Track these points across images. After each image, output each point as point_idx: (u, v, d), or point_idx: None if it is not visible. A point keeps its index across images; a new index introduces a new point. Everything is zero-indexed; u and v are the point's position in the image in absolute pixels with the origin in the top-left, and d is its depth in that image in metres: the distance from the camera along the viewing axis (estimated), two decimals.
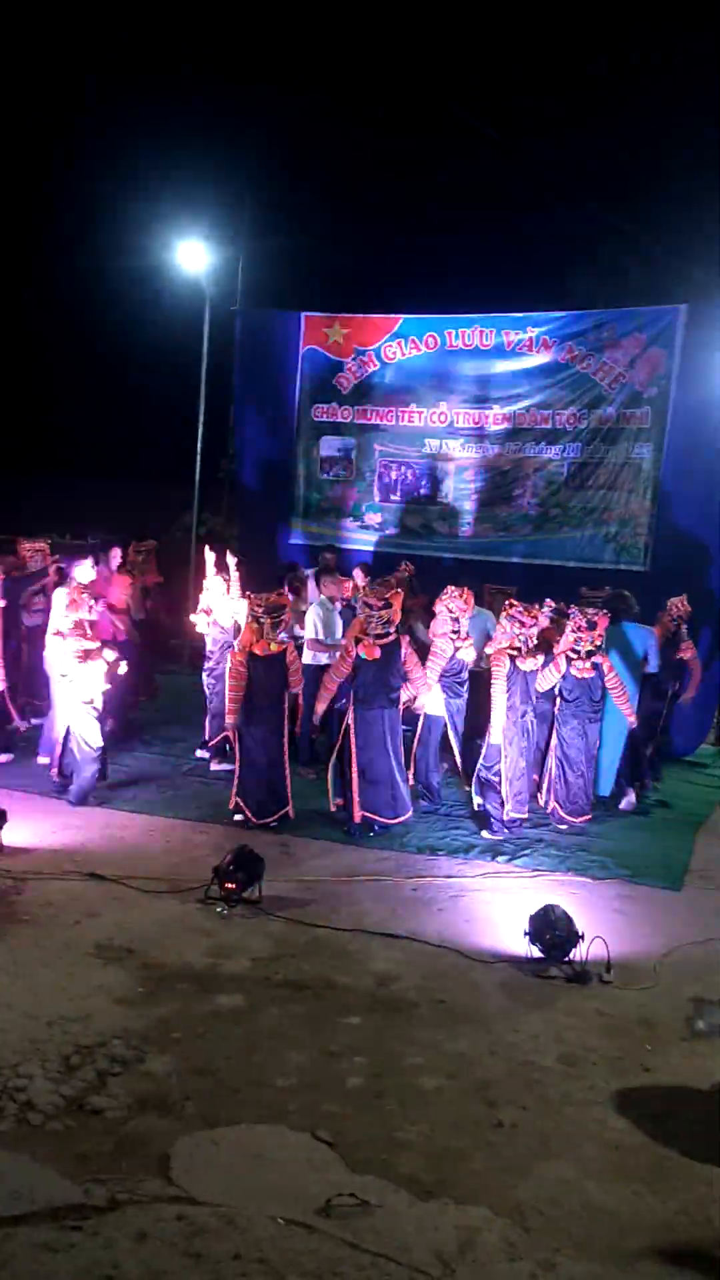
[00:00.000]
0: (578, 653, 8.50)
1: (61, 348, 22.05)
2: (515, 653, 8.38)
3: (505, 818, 8.41)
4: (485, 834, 8.42)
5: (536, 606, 8.75)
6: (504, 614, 8.59)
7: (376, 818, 8.31)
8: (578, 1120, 4.63)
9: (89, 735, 8.39)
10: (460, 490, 12.59)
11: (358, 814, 8.26)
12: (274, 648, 8.23)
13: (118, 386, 21.77)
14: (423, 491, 12.81)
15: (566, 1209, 4.04)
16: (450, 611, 8.81)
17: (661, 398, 11.53)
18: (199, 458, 14.56)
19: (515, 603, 8.61)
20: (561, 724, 8.74)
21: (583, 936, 6.03)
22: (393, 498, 12.98)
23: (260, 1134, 4.39)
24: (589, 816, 8.79)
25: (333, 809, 8.50)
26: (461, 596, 8.91)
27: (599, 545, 11.90)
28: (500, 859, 7.98)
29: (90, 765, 8.47)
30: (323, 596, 9.90)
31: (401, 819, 8.39)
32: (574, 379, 11.95)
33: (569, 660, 8.51)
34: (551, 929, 6.06)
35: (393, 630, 8.28)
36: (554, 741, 8.81)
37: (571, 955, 6.02)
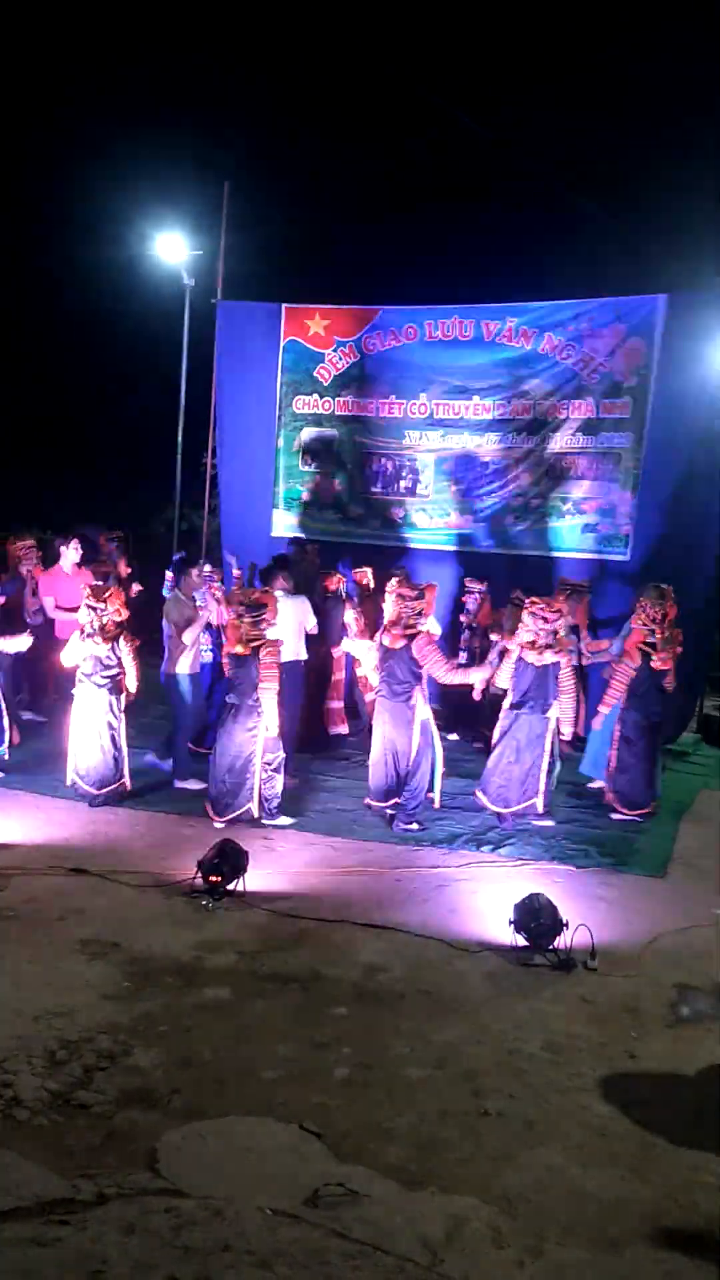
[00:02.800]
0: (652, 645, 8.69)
1: (38, 340, 21.93)
2: (529, 646, 8.39)
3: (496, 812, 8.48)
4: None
5: (560, 599, 8.74)
6: (525, 610, 8.56)
7: (373, 804, 8.50)
8: (564, 1107, 4.65)
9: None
10: (441, 482, 12.59)
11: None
12: (240, 649, 8.06)
13: (96, 379, 21.68)
14: (404, 483, 12.80)
15: (553, 1195, 4.06)
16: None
17: (641, 388, 11.55)
18: (179, 451, 14.53)
19: (536, 599, 8.60)
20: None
21: (567, 925, 6.06)
22: (374, 489, 12.97)
23: (247, 1126, 4.39)
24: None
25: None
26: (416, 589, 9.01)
27: (580, 535, 11.92)
28: (484, 849, 8.00)
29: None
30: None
31: (384, 806, 8.49)
32: (554, 369, 11.96)
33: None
34: (536, 918, 6.08)
35: (421, 622, 8.35)
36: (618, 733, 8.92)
37: (556, 943, 6.05)
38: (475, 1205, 3.96)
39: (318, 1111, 4.50)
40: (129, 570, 11.88)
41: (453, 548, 12.49)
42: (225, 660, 8.40)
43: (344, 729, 10.91)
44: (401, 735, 8.37)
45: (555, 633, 8.44)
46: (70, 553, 10.51)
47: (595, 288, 12.38)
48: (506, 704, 8.61)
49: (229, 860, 6.72)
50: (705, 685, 12.51)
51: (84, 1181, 3.94)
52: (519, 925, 6.11)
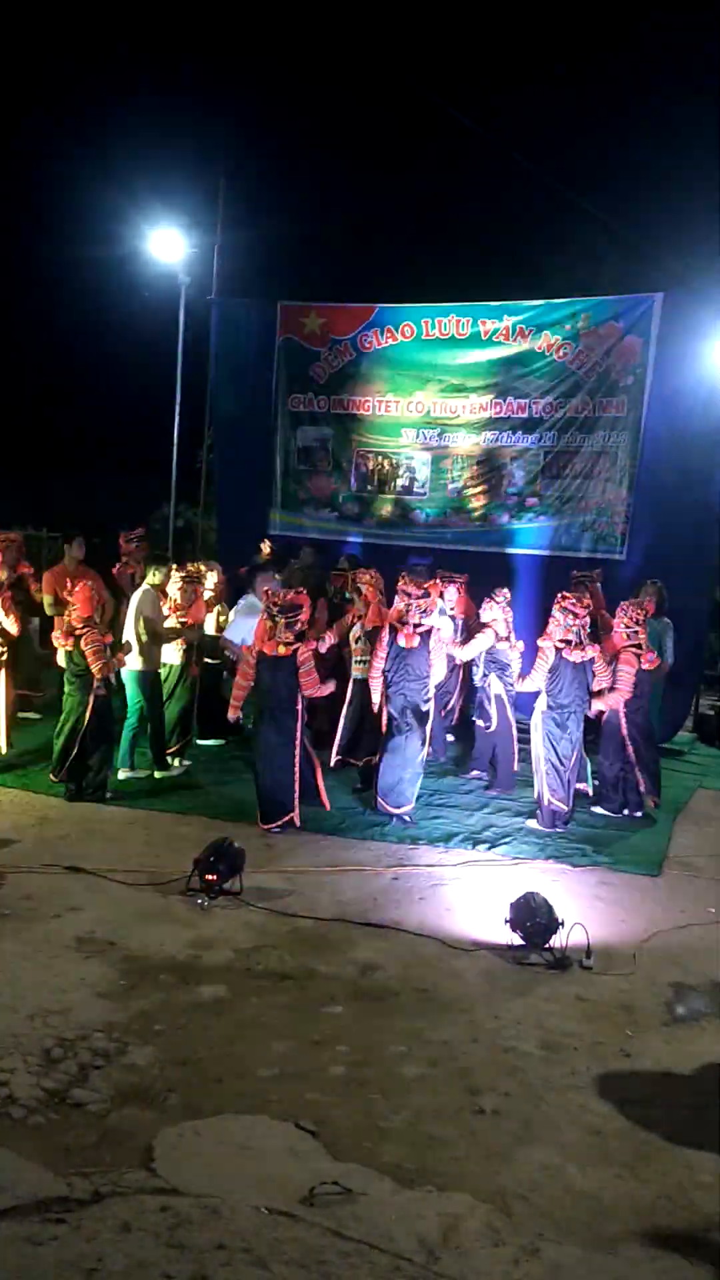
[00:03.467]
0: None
1: (33, 337, 21.89)
2: (565, 645, 8.36)
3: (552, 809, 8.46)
4: (531, 823, 8.51)
5: (588, 596, 8.74)
6: (556, 606, 8.53)
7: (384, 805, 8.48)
8: (559, 1106, 4.65)
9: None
10: (437, 480, 12.59)
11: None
12: (282, 650, 8.03)
13: (92, 377, 21.64)
14: (400, 481, 12.79)
15: (549, 1194, 4.06)
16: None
17: (637, 386, 11.55)
18: (175, 449, 14.51)
19: (568, 594, 8.59)
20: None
21: (563, 923, 6.06)
22: (370, 488, 12.96)
23: (243, 1124, 4.39)
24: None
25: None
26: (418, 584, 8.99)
27: (576, 534, 11.92)
28: (480, 847, 8.00)
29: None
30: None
31: (400, 810, 8.43)
32: (550, 368, 11.96)
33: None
34: (532, 916, 6.08)
35: (428, 620, 8.42)
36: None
37: (552, 942, 6.05)
38: (471, 1204, 3.96)
39: (313, 1110, 4.49)
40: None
41: (448, 546, 12.47)
42: (248, 662, 8.26)
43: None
44: (408, 733, 8.39)
45: (585, 628, 8.44)
46: (74, 551, 10.51)
47: (592, 286, 12.42)
48: (542, 704, 8.48)
49: (225, 859, 6.71)
50: (700, 684, 12.52)
51: (79, 1180, 3.93)
52: (515, 924, 6.11)
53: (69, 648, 8.46)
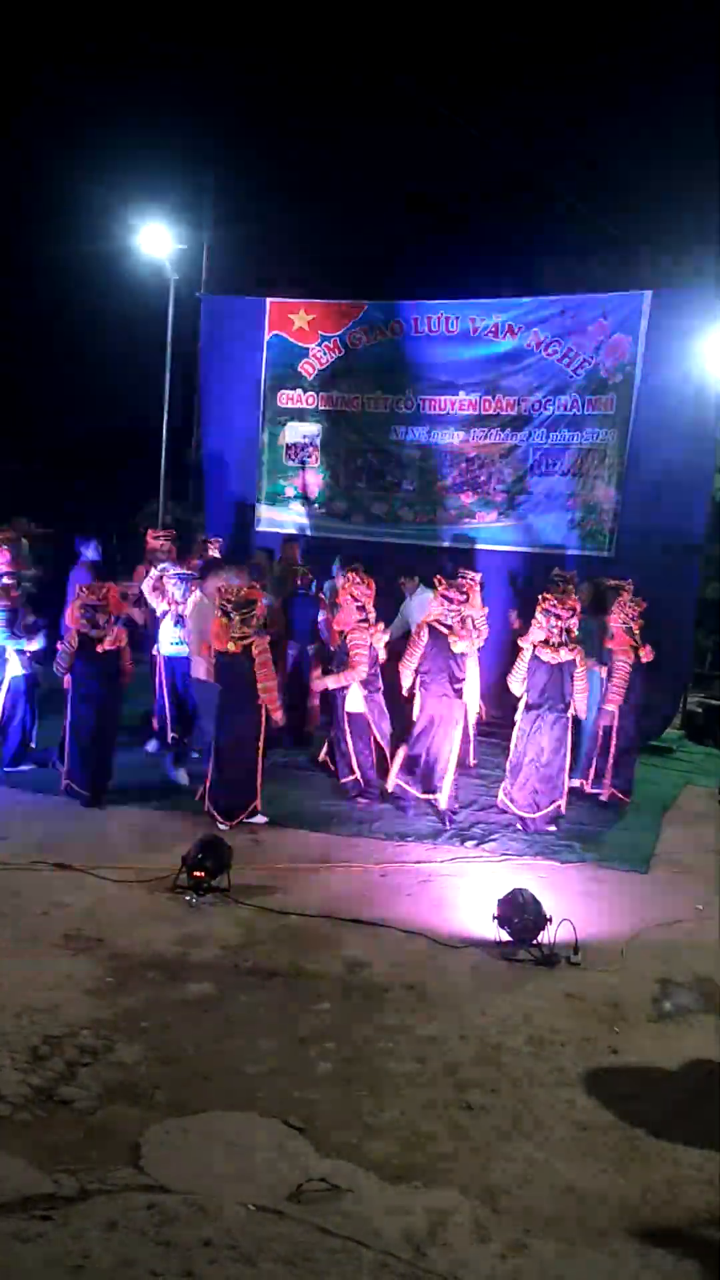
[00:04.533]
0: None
1: (19, 332, 21.77)
2: (543, 645, 8.38)
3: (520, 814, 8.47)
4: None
5: (574, 597, 8.75)
6: (539, 607, 8.52)
7: (408, 789, 8.53)
8: (546, 1101, 4.67)
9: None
10: (425, 477, 12.58)
11: (391, 783, 8.58)
12: (232, 646, 7.97)
13: (79, 372, 21.53)
14: (388, 478, 12.78)
15: (536, 1189, 4.07)
16: (355, 599, 8.82)
17: (626, 384, 11.56)
18: (164, 445, 14.47)
19: (549, 596, 8.60)
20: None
21: (550, 920, 6.07)
22: (358, 485, 12.95)
23: (230, 1121, 4.39)
24: None
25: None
26: (364, 582, 9.02)
27: (564, 531, 11.93)
28: (468, 844, 8.01)
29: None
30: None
31: (429, 796, 8.53)
32: (539, 365, 11.96)
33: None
34: (520, 913, 6.09)
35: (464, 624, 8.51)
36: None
37: (539, 938, 6.06)
38: (458, 1199, 3.97)
39: (301, 1106, 4.50)
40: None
41: (437, 543, 12.48)
42: (205, 659, 8.28)
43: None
44: (454, 730, 8.47)
45: (568, 630, 8.38)
46: (90, 552, 10.56)
47: (580, 284, 12.40)
48: (522, 705, 8.51)
49: (213, 855, 6.70)
50: (689, 681, 12.55)
51: (66, 1177, 3.93)
52: (503, 920, 6.12)
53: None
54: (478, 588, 10.08)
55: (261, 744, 8.16)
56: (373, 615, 8.89)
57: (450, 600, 8.44)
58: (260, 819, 8.17)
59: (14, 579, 9.69)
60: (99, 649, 8.31)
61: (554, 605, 8.39)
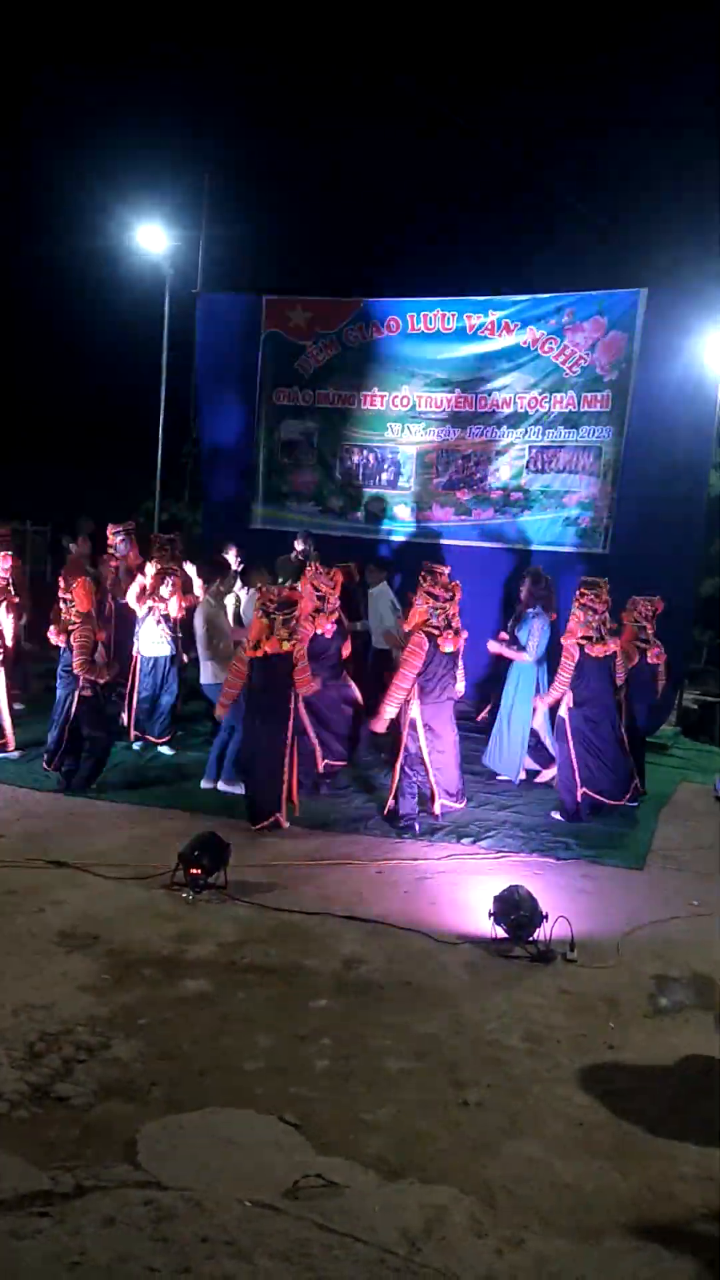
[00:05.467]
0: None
1: (18, 330, 21.77)
2: (587, 641, 8.45)
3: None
4: (555, 814, 8.67)
5: (605, 591, 8.72)
6: (576, 603, 8.60)
7: (454, 805, 8.50)
8: (543, 1098, 4.67)
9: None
10: (423, 474, 12.58)
11: (435, 806, 8.40)
12: (285, 646, 7.97)
13: (77, 370, 21.53)
14: (385, 476, 12.78)
15: (532, 1186, 4.08)
16: (317, 590, 8.83)
17: (622, 381, 11.56)
18: (160, 443, 14.46)
19: (586, 591, 8.61)
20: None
21: (546, 916, 6.08)
22: (355, 482, 12.94)
23: (227, 1117, 4.39)
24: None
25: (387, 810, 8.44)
26: (329, 574, 9.02)
27: (560, 529, 11.93)
28: (465, 841, 8.01)
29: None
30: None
31: (461, 806, 8.52)
32: (535, 362, 11.95)
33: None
34: (516, 909, 6.10)
35: (454, 623, 8.33)
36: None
37: (535, 935, 6.06)
38: (455, 1196, 3.98)
39: (298, 1103, 4.50)
40: (139, 560, 11.50)
41: (433, 541, 12.48)
42: (241, 660, 8.19)
43: None
44: (454, 734, 8.44)
45: (606, 622, 8.52)
46: (80, 547, 10.54)
47: (577, 281, 12.39)
48: (568, 702, 8.56)
49: (210, 852, 6.70)
50: (684, 678, 12.56)
51: (63, 1174, 3.93)
52: (499, 917, 6.12)
53: (62, 643, 8.48)
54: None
55: (291, 752, 8.10)
56: (330, 606, 8.88)
57: (435, 598, 8.34)
58: (284, 826, 8.08)
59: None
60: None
61: (591, 600, 8.50)
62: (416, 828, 8.17)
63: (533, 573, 9.87)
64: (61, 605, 8.54)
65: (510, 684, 9.48)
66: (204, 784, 8.93)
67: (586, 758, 8.53)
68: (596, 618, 8.48)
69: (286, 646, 8.00)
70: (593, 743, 8.55)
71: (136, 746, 9.84)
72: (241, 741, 8.34)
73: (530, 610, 9.46)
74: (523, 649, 9.25)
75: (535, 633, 9.24)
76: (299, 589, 8.79)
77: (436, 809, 8.38)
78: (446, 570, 8.88)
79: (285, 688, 8.04)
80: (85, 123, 19.17)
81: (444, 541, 12.36)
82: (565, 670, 8.53)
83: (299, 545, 11.68)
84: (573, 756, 8.52)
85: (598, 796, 8.61)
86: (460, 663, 8.41)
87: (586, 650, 8.48)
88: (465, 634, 8.39)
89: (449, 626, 8.24)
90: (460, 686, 8.53)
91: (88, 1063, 4.72)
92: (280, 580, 10.29)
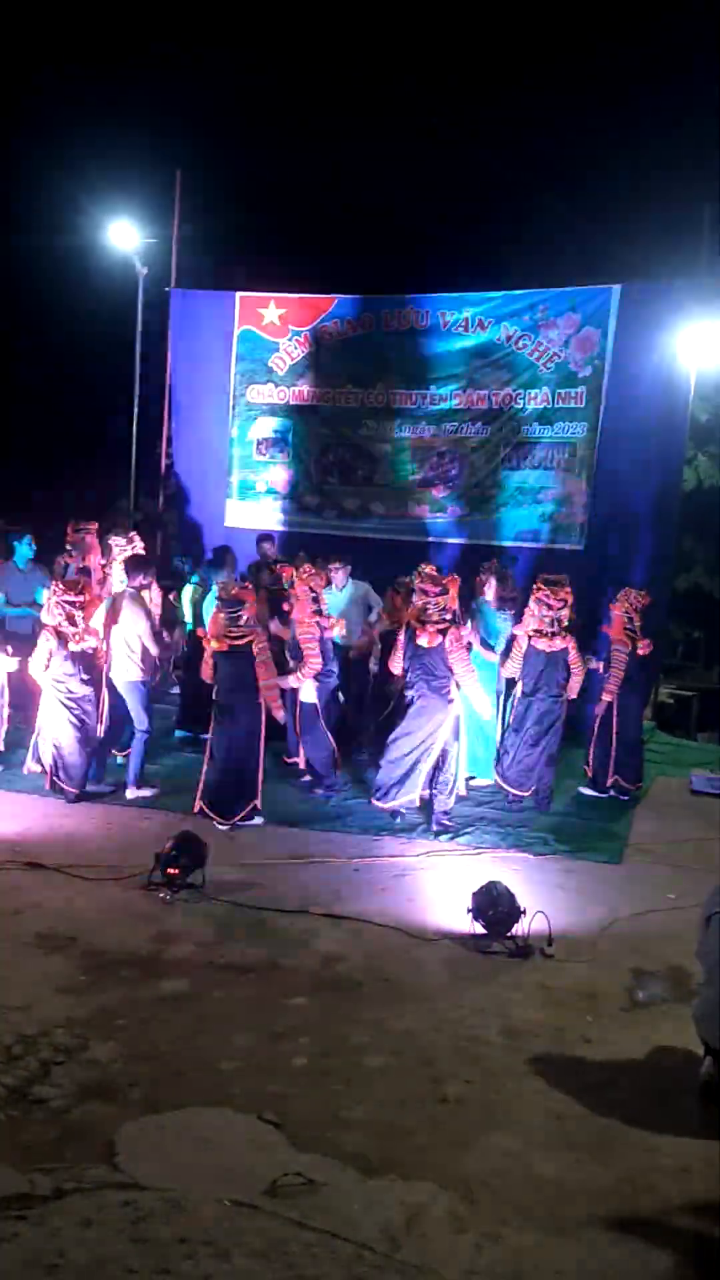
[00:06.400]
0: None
1: None
2: (537, 634, 8.61)
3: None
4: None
5: (566, 589, 8.77)
6: (533, 597, 8.74)
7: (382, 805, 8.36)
8: (521, 1093, 4.68)
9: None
10: (397, 471, 12.58)
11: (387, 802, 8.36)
12: (218, 645, 7.94)
13: (48, 368, 21.40)
14: (359, 473, 12.78)
15: (511, 1180, 4.09)
16: (311, 590, 8.81)
17: (596, 377, 11.61)
18: (134, 441, 14.41)
19: (543, 587, 8.71)
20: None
21: (524, 912, 6.09)
22: (330, 480, 12.93)
23: (206, 1117, 4.38)
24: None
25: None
26: (319, 574, 9.04)
27: (536, 525, 11.97)
28: (443, 837, 8.02)
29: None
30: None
31: (396, 804, 8.32)
32: (509, 359, 11.99)
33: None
34: (494, 905, 6.11)
35: (449, 617, 8.27)
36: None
37: (514, 930, 6.08)
38: (434, 1192, 3.98)
39: (276, 1101, 4.49)
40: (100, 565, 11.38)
41: (408, 538, 12.48)
42: (207, 660, 8.15)
43: None
44: (440, 730, 8.18)
45: (560, 620, 8.63)
46: (24, 548, 10.32)
47: (550, 278, 12.44)
48: (518, 692, 8.83)
49: (188, 852, 6.68)
50: (660, 673, 12.62)
51: (41, 1176, 3.91)
52: (477, 913, 6.13)
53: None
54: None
55: (262, 743, 8.10)
56: (325, 607, 8.91)
57: (426, 593, 8.32)
58: (258, 820, 8.08)
59: None
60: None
61: (546, 595, 8.61)
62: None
63: (499, 572, 9.88)
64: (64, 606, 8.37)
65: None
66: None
67: (526, 745, 8.72)
68: (551, 613, 8.60)
69: (218, 645, 7.97)
70: (529, 734, 8.71)
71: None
72: (209, 738, 8.24)
73: (496, 609, 9.48)
74: (490, 648, 9.25)
75: (505, 633, 9.27)
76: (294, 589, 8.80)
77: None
78: (430, 568, 8.93)
79: (247, 684, 7.99)
80: (56, 118, 19.06)
81: (420, 538, 12.37)
82: (515, 658, 8.79)
83: (268, 548, 11.60)
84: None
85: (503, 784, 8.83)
86: (448, 660, 8.20)
87: (533, 643, 8.65)
88: (458, 630, 8.31)
89: (434, 621, 8.18)
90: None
91: (66, 1064, 4.70)
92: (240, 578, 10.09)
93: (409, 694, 8.26)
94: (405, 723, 8.25)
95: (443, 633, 8.13)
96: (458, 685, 8.17)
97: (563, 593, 8.69)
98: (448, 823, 8.19)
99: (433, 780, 8.21)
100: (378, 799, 8.33)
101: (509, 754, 8.80)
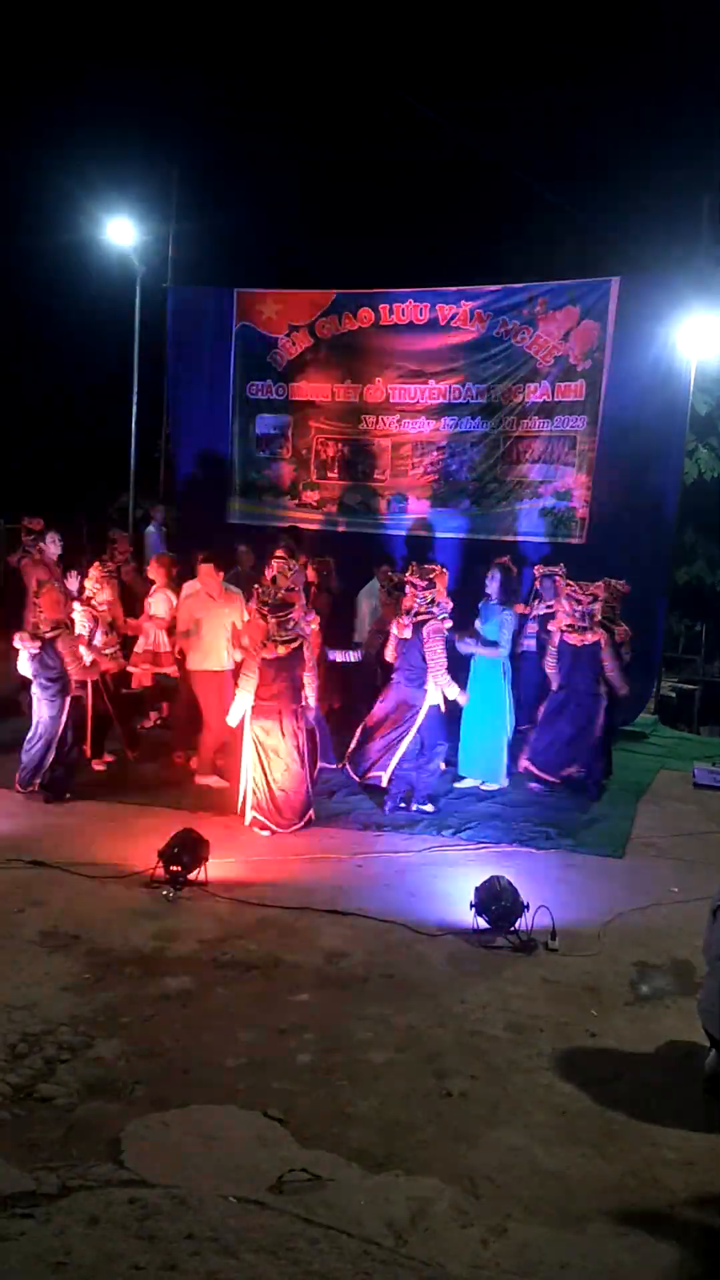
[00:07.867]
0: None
1: None
2: (570, 629, 8.82)
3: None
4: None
5: (597, 584, 8.97)
6: (562, 593, 9.03)
7: (353, 774, 8.70)
8: (526, 1087, 4.69)
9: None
10: (397, 466, 12.57)
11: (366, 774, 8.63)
12: (281, 650, 7.79)
13: (48, 366, 21.39)
14: (360, 468, 12.77)
15: (516, 1175, 4.09)
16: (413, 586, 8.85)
17: (595, 370, 11.58)
18: (134, 438, 14.40)
19: (571, 582, 8.93)
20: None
21: (528, 906, 6.10)
22: (330, 475, 12.93)
23: (211, 1114, 4.39)
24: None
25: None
26: (304, 567, 9.17)
27: (536, 519, 11.95)
28: (445, 833, 8.02)
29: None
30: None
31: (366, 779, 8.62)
32: (508, 353, 11.96)
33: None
34: (497, 900, 6.12)
35: (435, 610, 8.38)
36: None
37: (517, 925, 6.08)
38: (439, 1186, 3.99)
39: (281, 1098, 4.50)
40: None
41: (410, 533, 12.48)
42: (251, 667, 7.94)
43: None
44: (414, 715, 8.35)
45: (590, 614, 8.80)
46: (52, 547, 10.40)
47: (549, 271, 12.42)
48: (555, 687, 9.09)
49: (189, 849, 6.69)
50: (661, 667, 12.62)
51: (47, 1174, 3.92)
52: (480, 908, 6.14)
53: (36, 650, 8.30)
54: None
55: (305, 747, 8.06)
56: (408, 607, 8.83)
57: (414, 586, 8.40)
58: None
59: None
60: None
61: (575, 590, 8.81)
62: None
63: (503, 566, 9.85)
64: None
65: (476, 682, 9.05)
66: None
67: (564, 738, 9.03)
68: (580, 608, 8.80)
69: (283, 651, 7.81)
70: (565, 726, 9.02)
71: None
72: (263, 748, 8.12)
73: (499, 604, 9.45)
74: (494, 644, 9.18)
75: (507, 627, 9.23)
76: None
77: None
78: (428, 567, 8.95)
79: (295, 690, 7.93)
80: (53, 116, 19.04)
81: (420, 533, 12.37)
82: (550, 656, 9.13)
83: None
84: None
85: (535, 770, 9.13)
86: (425, 650, 8.27)
87: (565, 638, 8.89)
88: (438, 623, 8.33)
89: (415, 613, 8.32)
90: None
91: (70, 1062, 4.71)
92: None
93: (392, 679, 8.59)
94: (379, 704, 8.62)
95: (420, 624, 8.29)
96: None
97: (593, 588, 8.89)
98: (427, 806, 8.44)
99: (416, 766, 8.44)
100: (350, 768, 8.74)
101: (541, 741, 9.08)
